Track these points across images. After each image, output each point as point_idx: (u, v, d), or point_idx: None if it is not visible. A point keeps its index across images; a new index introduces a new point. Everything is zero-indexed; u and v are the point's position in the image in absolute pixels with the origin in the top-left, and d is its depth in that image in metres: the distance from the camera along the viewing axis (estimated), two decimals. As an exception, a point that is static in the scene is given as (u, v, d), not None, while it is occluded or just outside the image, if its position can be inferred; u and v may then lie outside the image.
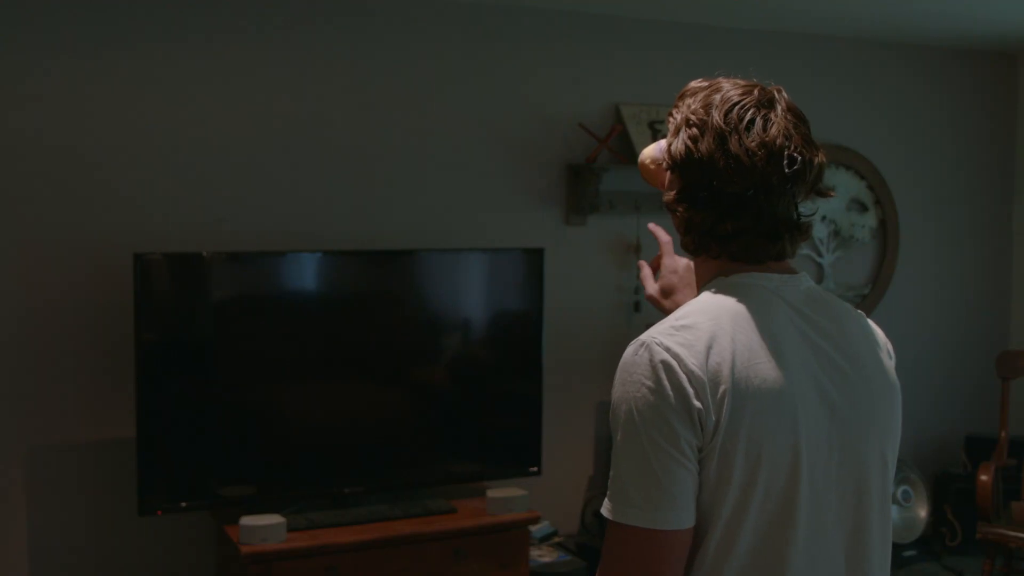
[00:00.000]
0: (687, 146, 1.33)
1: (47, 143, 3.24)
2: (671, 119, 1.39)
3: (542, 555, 3.68)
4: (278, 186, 3.54)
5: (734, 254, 1.35)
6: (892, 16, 4.13)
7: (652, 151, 1.51)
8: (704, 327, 1.27)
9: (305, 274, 3.50)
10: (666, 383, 1.23)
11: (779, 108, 1.33)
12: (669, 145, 1.36)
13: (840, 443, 1.31)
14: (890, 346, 1.45)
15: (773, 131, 1.30)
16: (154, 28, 3.34)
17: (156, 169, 3.38)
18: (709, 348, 1.25)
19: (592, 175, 3.92)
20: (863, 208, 4.64)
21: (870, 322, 1.45)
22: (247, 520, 3.06)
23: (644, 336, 1.29)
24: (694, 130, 1.33)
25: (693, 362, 1.23)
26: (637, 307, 4.11)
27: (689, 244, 1.38)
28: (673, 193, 1.36)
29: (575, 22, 3.97)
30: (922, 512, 4.45)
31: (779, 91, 1.36)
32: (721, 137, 1.30)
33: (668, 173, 1.39)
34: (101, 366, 3.31)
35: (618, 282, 4.12)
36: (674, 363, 1.23)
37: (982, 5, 3.93)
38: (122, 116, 3.32)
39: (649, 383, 1.23)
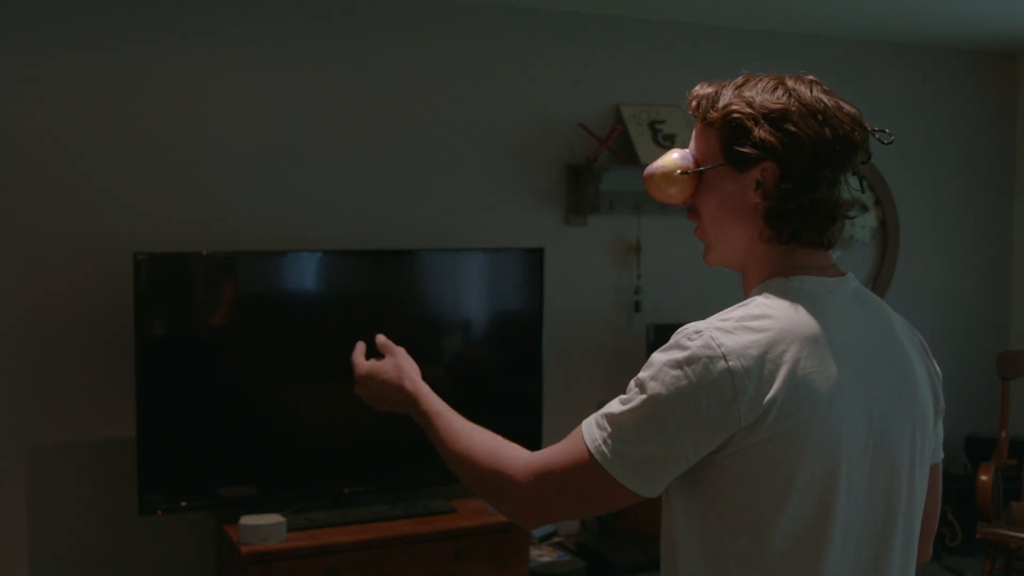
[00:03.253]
0: (790, 132, 1.28)
1: (46, 143, 3.24)
2: (731, 118, 1.31)
3: (542, 555, 3.68)
4: (278, 186, 3.54)
5: (809, 239, 1.33)
6: (892, 16, 4.13)
7: (676, 160, 1.40)
8: (770, 329, 1.25)
9: (305, 274, 3.50)
10: (707, 378, 1.21)
11: (827, 88, 1.35)
12: (759, 139, 1.29)
13: (875, 452, 1.30)
14: (927, 346, 1.47)
15: (849, 108, 1.32)
16: (154, 27, 3.34)
17: (156, 169, 3.38)
18: (765, 353, 1.23)
19: (592, 175, 3.92)
20: (863, 208, 4.64)
21: (909, 325, 1.45)
22: (247, 520, 3.06)
23: (705, 324, 1.26)
24: (790, 115, 1.29)
25: (743, 364, 1.21)
26: (637, 307, 4.11)
27: (766, 233, 1.33)
28: (774, 183, 1.30)
29: (575, 22, 3.97)
30: (922, 512, 4.45)
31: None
32: (818, 118, 1.29)
33: (734, 173, 1.33)
34: (101, 366, 3.31)
35: (618, 282, 4.12)
36: (723, 362, 1.21)
37: (982, 5, 3.93)
38: (122, 116, 3.32)
39: (690, 372, 1.22)
